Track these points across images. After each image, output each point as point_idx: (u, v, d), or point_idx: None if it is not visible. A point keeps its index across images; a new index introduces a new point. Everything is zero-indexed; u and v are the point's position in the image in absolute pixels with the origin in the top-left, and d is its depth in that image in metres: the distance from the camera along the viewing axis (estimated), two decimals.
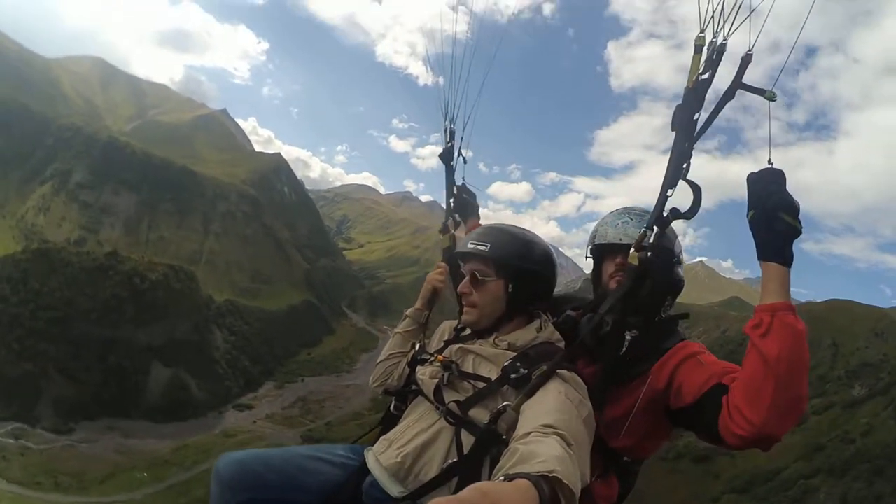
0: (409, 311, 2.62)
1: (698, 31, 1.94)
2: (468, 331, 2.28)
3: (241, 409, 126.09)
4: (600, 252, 2.37)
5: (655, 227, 2.01)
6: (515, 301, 2.12)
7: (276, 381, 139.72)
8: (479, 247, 2.11)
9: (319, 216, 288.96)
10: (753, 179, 1.74)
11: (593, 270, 2.42)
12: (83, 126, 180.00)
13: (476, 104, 3.01)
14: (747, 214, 1.76)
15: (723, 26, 1.87)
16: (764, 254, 1.73)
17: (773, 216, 1.68)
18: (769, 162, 1.74)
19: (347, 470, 2.12)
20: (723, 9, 1.86)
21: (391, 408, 2.37)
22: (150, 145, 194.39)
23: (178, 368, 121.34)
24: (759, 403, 1.58)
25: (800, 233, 1.71)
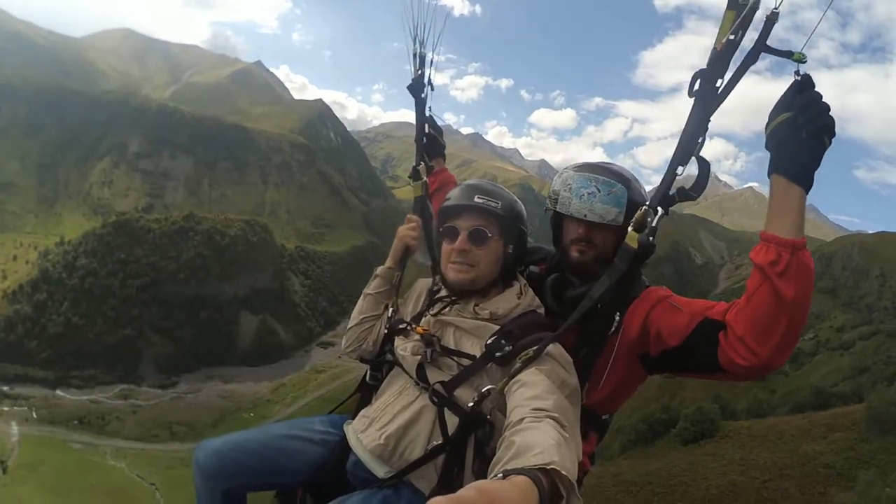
0: (379, 270, 2.41)
1: None
2: (443, 292, 2.12)
3: (325, 346, 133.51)
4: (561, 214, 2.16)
5: (660, 209, 1.78)
6: (511, 264, 2.04)
7: None
8: (491, 203, 1.96)
9: (367, 158, 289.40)
10: (806, 83, 1.49)
11: (553, 224, 2.25)
12: (128, 98, 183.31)
13: (447, 18, 2.60)
14: (778, 116, 1.53)
15: None
16: (790, 171, 1.52)
17: (817, 135, 1.48)
18: (796, 73, 1.50)
19: (328, 446, 2.07)
20: None
21: (367, 377, 2.27)
22: (193, 107, 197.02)
23: (265, 315, 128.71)
24: (769, 338, 1.56)
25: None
